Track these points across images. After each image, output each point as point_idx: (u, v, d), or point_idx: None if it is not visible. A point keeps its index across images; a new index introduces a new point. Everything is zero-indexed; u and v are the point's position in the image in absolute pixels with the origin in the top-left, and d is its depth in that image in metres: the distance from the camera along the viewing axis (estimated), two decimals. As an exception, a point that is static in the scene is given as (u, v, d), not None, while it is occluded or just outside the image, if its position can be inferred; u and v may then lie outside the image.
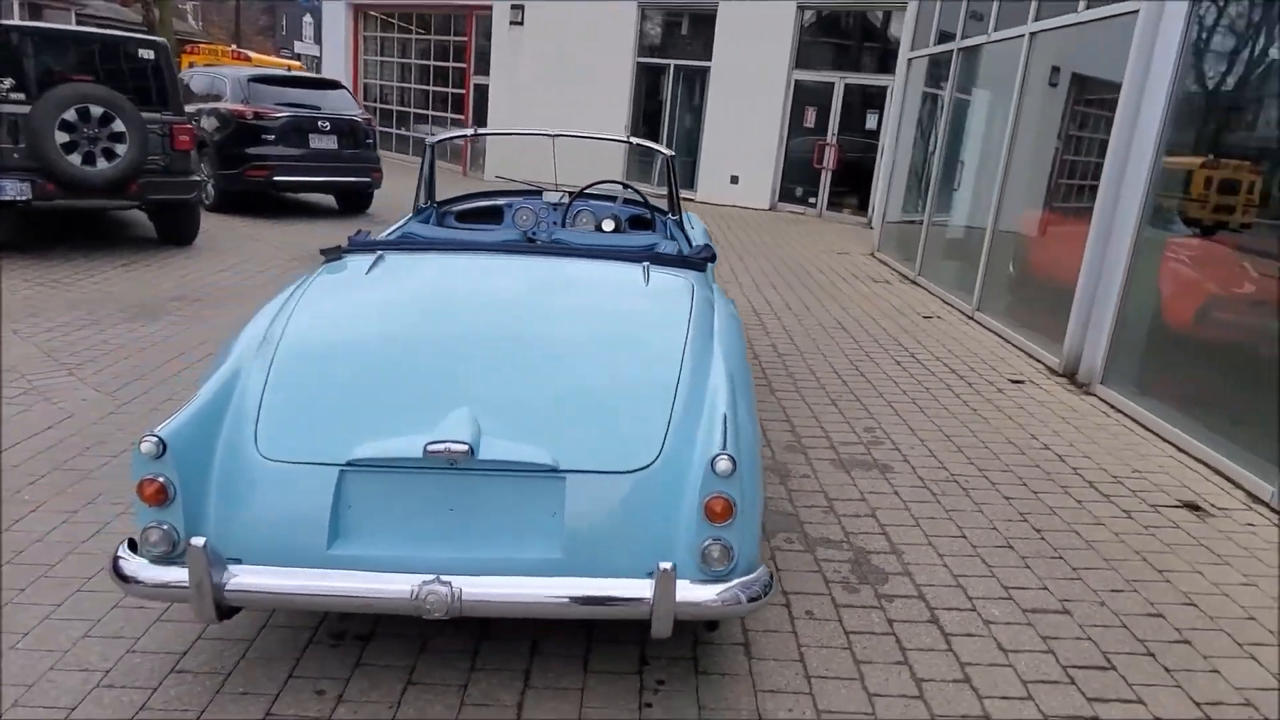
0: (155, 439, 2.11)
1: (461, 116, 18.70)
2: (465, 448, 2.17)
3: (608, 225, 4.43)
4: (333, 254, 3.21)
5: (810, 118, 13.83)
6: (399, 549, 2.19)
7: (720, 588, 2.17)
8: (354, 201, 11.14)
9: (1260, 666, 2.73)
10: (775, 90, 13.86)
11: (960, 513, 3.65)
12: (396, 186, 13.42)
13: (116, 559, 2.19)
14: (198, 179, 7.87)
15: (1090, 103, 6.58)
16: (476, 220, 4.66)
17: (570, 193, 4.61)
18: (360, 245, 3.27)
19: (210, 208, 9.92)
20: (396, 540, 2.20)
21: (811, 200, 13.98)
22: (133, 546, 2.22)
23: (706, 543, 2.17)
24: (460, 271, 3.08)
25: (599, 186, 4.59)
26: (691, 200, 14.88)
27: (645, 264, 3.20)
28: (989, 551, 3.34)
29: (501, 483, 2.24)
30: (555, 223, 4.47)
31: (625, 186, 4.64)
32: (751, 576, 2.21)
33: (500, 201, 4.68)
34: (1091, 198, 6.06)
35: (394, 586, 2.10)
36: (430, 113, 19.63)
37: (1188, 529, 3.64)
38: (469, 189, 5.18)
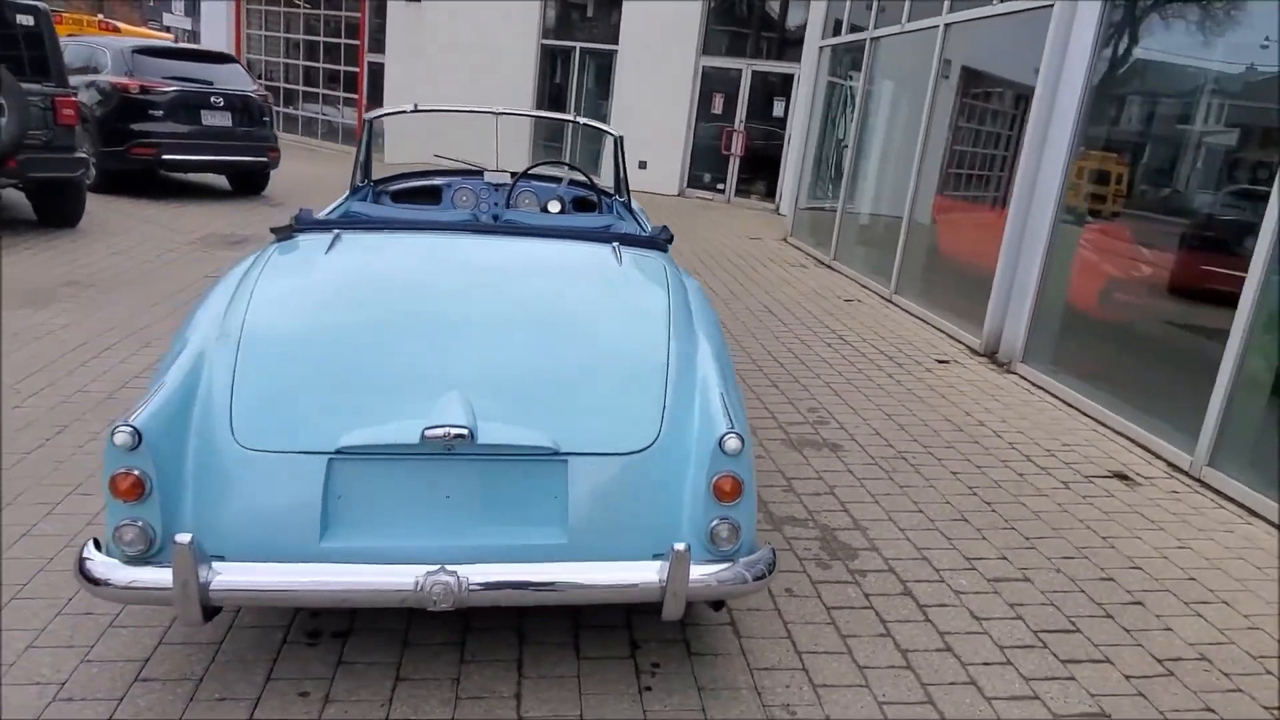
0: (130, 429, 1.96)
1: (355, 95, 18.07)
2: (465, 431, 2.10)
3: (553, 207, 4.36)
4: (284, 233, 3.04)
5: (718, 104, 13.97)
6: (395, 540, 2.10)
7: (728, 567, 2.17)
8: (249, 183, 10.62)
9: (1207, 623, 2.92)
10: (683, 76, 13.93)
11: (913, 488, 3.77)
12: (293, 168, 12.88)
13: (83, 560, 2.03)
14: (83, 156, 7.34)
15: (987, 96, 6.88)
16: (414, 200, 4.50)
17: (512, 173, 4.52)
18: (312, 224, 3.12)
19: (91, 188, 9.27)
20: (392, 530, 2.11)
21: (720, 186, 14.14)
22: (98, 546, 2.06)
23: (714, 522, 2.16)
24: (426, 251, 2.97)
25: (542, 168, 4.52)
26: (599, 185, 14.83)
27: (615, 244, 3.16)
28: (946, 525, 3.46)
29: (499, 467, 2.17)
30: (498, 203, 4.37)
31: (570, 168, 4.57)
32: (755, 555, 2.22)
33: (439, 181, 4.54)
34: (998, 187, 6.35)
35: (397, 579, 2.02)
36: (321, 90, 18.88)
37: (1120, 497, 3.86)
38: (403, 168, 5.01)
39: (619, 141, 4.46)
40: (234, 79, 10.10)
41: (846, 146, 9.18)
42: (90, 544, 2.06)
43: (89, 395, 3.97)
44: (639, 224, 4.24)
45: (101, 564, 2.01)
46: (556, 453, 2.19)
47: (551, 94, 15.70)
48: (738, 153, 13.76)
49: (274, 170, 10.52)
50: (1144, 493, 3.93)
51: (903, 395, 5.03)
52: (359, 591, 2.02)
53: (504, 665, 2.41)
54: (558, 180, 4.62)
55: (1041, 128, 5.67)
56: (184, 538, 1.92)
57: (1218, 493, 3.97)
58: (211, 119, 9.70)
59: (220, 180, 11.04)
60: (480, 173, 4.54)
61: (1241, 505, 3.85)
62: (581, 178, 4.64)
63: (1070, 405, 5.08)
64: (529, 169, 4.43)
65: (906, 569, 3.09)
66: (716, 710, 2.29)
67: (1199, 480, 4.09)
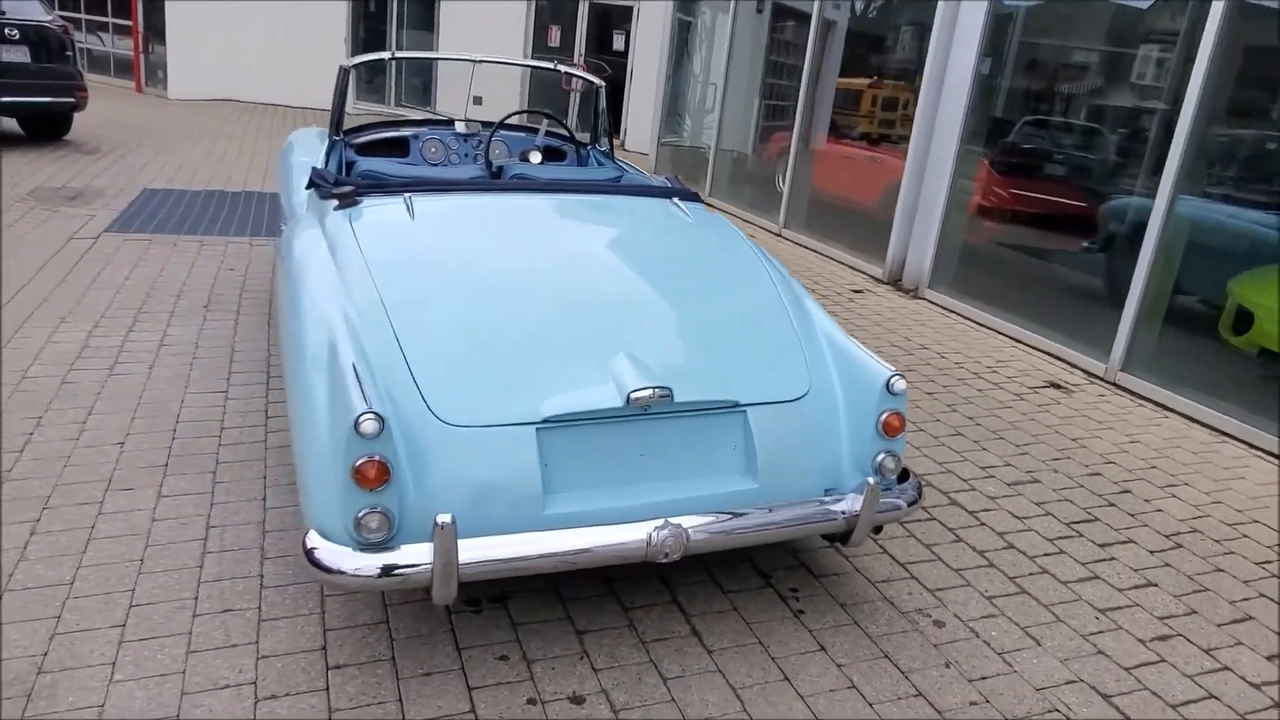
0: (375, 415, 1.92)
1: (129, 23, 16.21)
2: (667, 392, 2.22)
3: (535, 158, 4.35)
4: (348, 199, 2.92)
5: (554, 37, 13.81)
6: (609, 500, 2.20)
7: (895, 494, 2.44)
8: (48, 127, 9.45)
9: (1182, 502, 3.55)
10: (516, 7, 13.62)
11: (904, 410, 4.20)
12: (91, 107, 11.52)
13: (312, 551, 1.98)
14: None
15: (873, 39, 7.39)
16: (380, 153, 4.34)
17: (484, 123, 4.45)
18: (373, 187, 3.02)
19: None
20: (603, 492, 2.21)
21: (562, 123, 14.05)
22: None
23: (881, 456, 2.42)
24: (506, 212, 2.97)
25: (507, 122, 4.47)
26: (431, 122, 14.35)
27: (673, 199, 3.28)
28: (949, 440, 3.92)
29: (687, 423, 2.31)
30: (506, 155, 4.33)
31: (548, 117, 4.54)
32: (909, 482, 2.51)
33: (406, 132, 4.38)
34: (878, 125, 6.89)
35: (631, 536, 2.13)
36: (82, 16, 16.77)
37: (1065, 404, 4.50)
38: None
39: (600, 91, 4.48)
40: (25, 9, 8.88)
41: (714, 84, 9.47)
42: (311, 534, 2.01)
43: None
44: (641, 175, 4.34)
45: (335, 553, 1.98)
46: (737, 404, 2.36)
47: (370, 30, 14.87)
48: (579, 89, 13.72)
49: (80, 112, 9.43)
50: (1080, 398, 4.60)
51: (842, 322, 5.47)
52: (597, 553, 2.12)
53: (665, 607, 2.58)
54: (532, 130, 4.59)
55: (940, 63, 6.20)
56: (445, 517, 1.94)
57: (1134, 394, 4.71)
58: (7, 54, 8.52)
59: (10, 124, 9.74)
60: (450, 122, 4.43)
61: (1157, 403, 4.60)
62: (560, 129, 4.63)
63: (984, 325, 5.73)
64: (504, 119, 4.38)
65: (939, 481, 3.51)
66: (867, 623, 2.59)
67: (1115, 385, 4.82)
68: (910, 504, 2.48)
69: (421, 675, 2.24)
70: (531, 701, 2.18)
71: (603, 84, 4.40)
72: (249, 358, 4.12)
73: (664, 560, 2.16)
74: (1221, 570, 3.06)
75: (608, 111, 4.56)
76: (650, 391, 2.20)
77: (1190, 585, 2.94)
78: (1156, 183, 4.67)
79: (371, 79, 14.99)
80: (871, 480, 2.32)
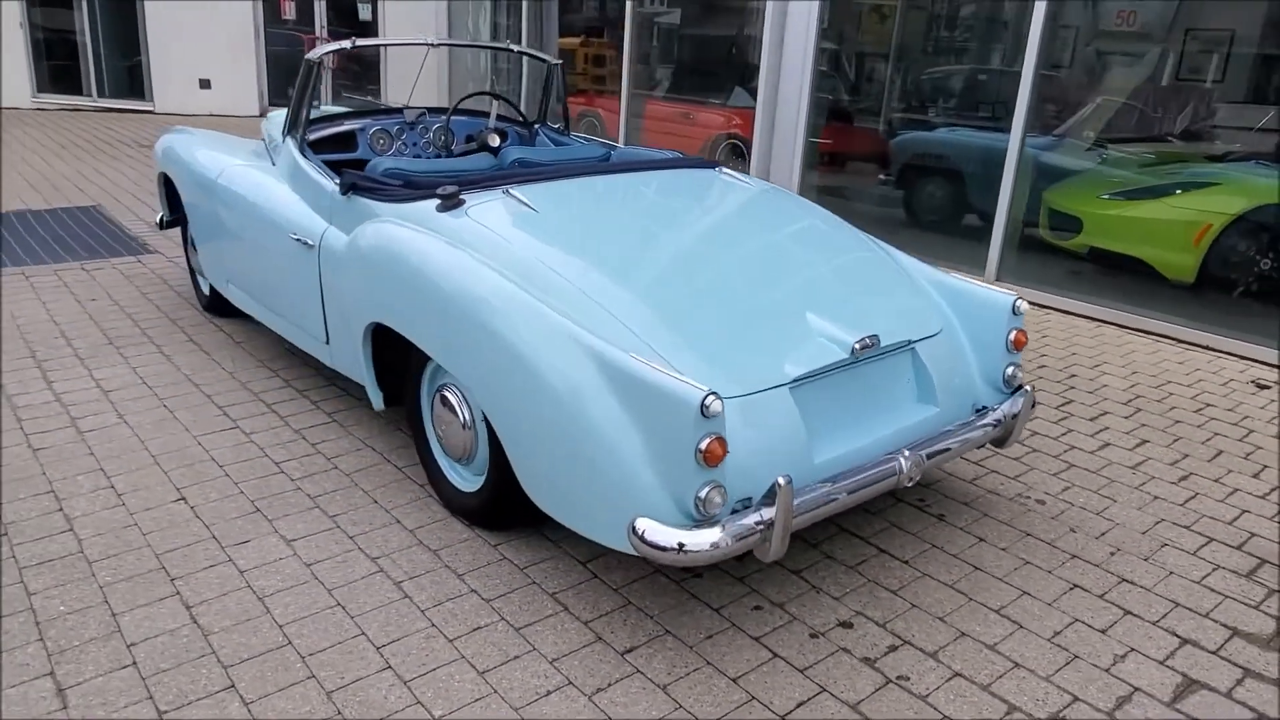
0: (716, 395, 2.04)
1: None
2: (876, 338, 2.52)
3: (494, 140, 4.30)
4: (452, 200, 2.85)
5: (288, 9, 12.90)
6: (853, 442, 2.47)
7: (1022, 398, 2.91)
8: None
9: (1122, 380, 4.40)
10: (238, -23, 12.54)
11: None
12: None
13: (641, 534, 2.07)
14: None
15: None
16: (326, 149, 4.11)
17: (428, 109, 4.32)
18: (476, 185, 2.97)
19: None
20: (846, 435, 2.47)
21: (315, 101, 13.20)
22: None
23: (1010, 369, 2.88)
24: (610, 195, 3.05)
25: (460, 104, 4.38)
26: (151, 113, 12.92)
27: (718, 168, 3.50)
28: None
29: (876, 365, 2.63)
30: (511, 140, 4.24)
31: (496, 99, 4.45)
32: (1027, 387, 2.99)
33: (352, 125, 4.16)
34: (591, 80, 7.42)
35: (886, 469, 2.42)
36: None
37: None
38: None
39: (559, 70, 4.49)
40: None
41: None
42: (638, 521, 2.10)
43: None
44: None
45: (667, 532, 2.08)
46: (909, 342, 2.70)
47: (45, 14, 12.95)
48: (329, 64, 12.94)
49: None
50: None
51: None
52: (867, 490, 2.38)
53: (859, 545, 2.90)
54: (482, 114, 4.52)
55: (779, 28, 6.77)
56: (784, 479, 2.12)
57: (1011, 297, 5.63)
58: None
59: None
60: (400, 110, 4.26)
61: (1039, 304, 5.53)
62: (511, 111, 4.58)
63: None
64: (457, 104, 4.28)
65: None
66: (1023, 550, 3.08)
67: (993, 292, 5.72)
68: (1032, 405, 2.96)
69: (705, 639, 2.40)
70: (814, 635, 2.43)
71: (559, 62, 4.43)
72: (222, 388, 3.81)
73: (907, 485, 2.48)
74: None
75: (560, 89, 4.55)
76: (864, 340, 2.49)
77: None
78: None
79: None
80: (1029, 388, 2.77)
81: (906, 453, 2.46)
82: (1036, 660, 2.36)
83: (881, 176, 7.41)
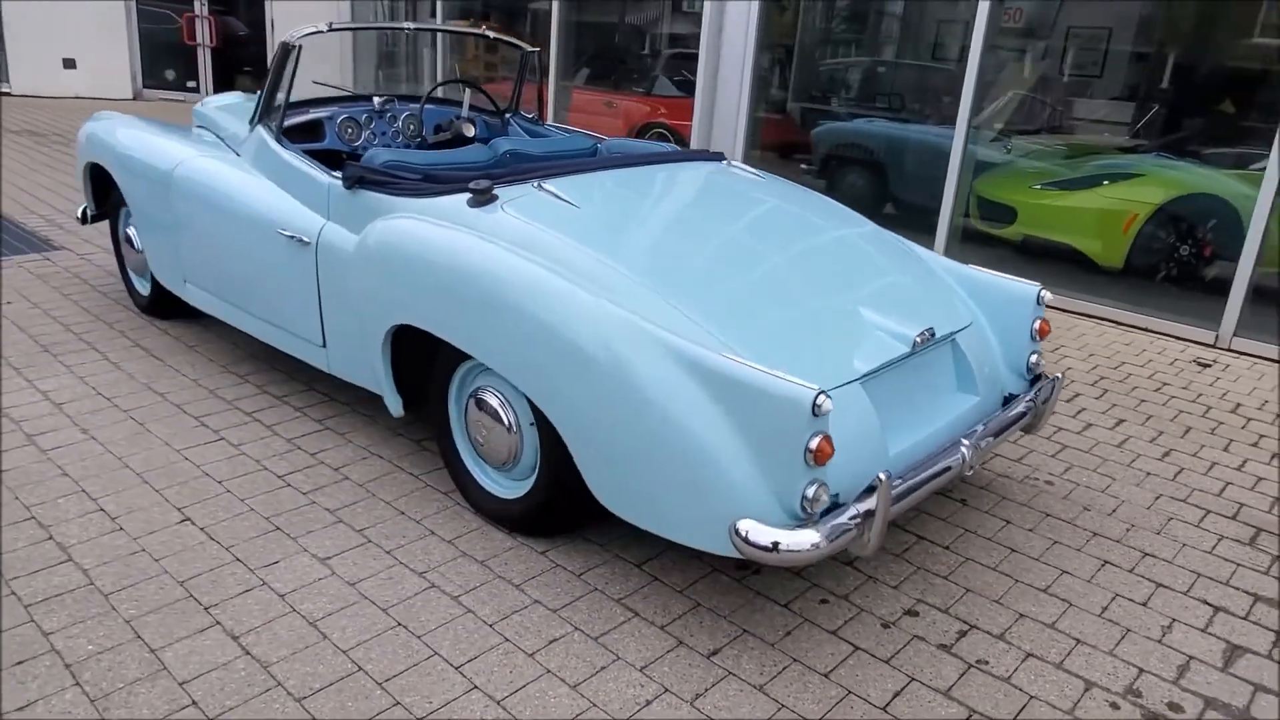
0: (825, 393, 2.03)
1: None
2: (932, 330, 2.58)
3: (468, 130, 4.15)
4: (485, 196, 2.73)
5: (160, -14, 12.08)
6: (917, 433, 2.51)
7: (1050, 385, 3.01)
8: None
9: (1070, 359, 4.64)
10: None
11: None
12: None
13: (746, 535, 2.05)
14: None
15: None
16: (292, 139, 3.87)
17: (398, 97, 4.13)
18: (501, 179, 2.85)
19: None
20: (910, 426, 2.52)
21: (192, 84, 12.45)
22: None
23: (1034, 357, 3.00)
24: (636, 189, 2.99)
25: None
26: (8, 94, 11.89)
27: (725, 161, 3.48)
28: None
29: (926, 356, 2.69)
30: (495, 132, 4.07)
31: (466, 86, 4.26)
32: (1057, 374, 3.09)
33: (319, 113, 3.92)
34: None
35: (953, 458, 2.47)
36: None
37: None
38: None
39: (536, 57, 4.34)
40: None
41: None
42: (741, 523, 2.07)
43: None
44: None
45: (771, 533, 2.06)
46: (951, 334, 2.77)
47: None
48: (209, 43, 12.22)
49: None
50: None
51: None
52: (939, 478, 2.43)
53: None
54: (451, 103, 4.34)
55: (716, 23, 6.80)
56: (884, 474, 2.13)
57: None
58: None
59: None
60: (369, 98, 4.05)
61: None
62: (484, 100, 4.42)
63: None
64: (430, 92, 4.11)
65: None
66: (1048, 530, 3.20)
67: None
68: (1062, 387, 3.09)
69: (784, 635, 2.41)
70: (885, 626, 2.47)
71: (537, 49, 4.30)
72: (190, 397, 3.56)
73: (969, 473, 2.55)
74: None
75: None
76: (924, 333, 2.54)
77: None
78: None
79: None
80: (1060, 375, 2.89)
81: (965, 442, 2.53)
82: (1095, 636, 2.47)
83: (804, 167, 7.59)
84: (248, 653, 2.21)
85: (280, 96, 3.47)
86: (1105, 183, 5.75)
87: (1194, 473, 3.45)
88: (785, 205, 3.14)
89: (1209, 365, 4.64)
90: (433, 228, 2.69)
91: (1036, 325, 2.96)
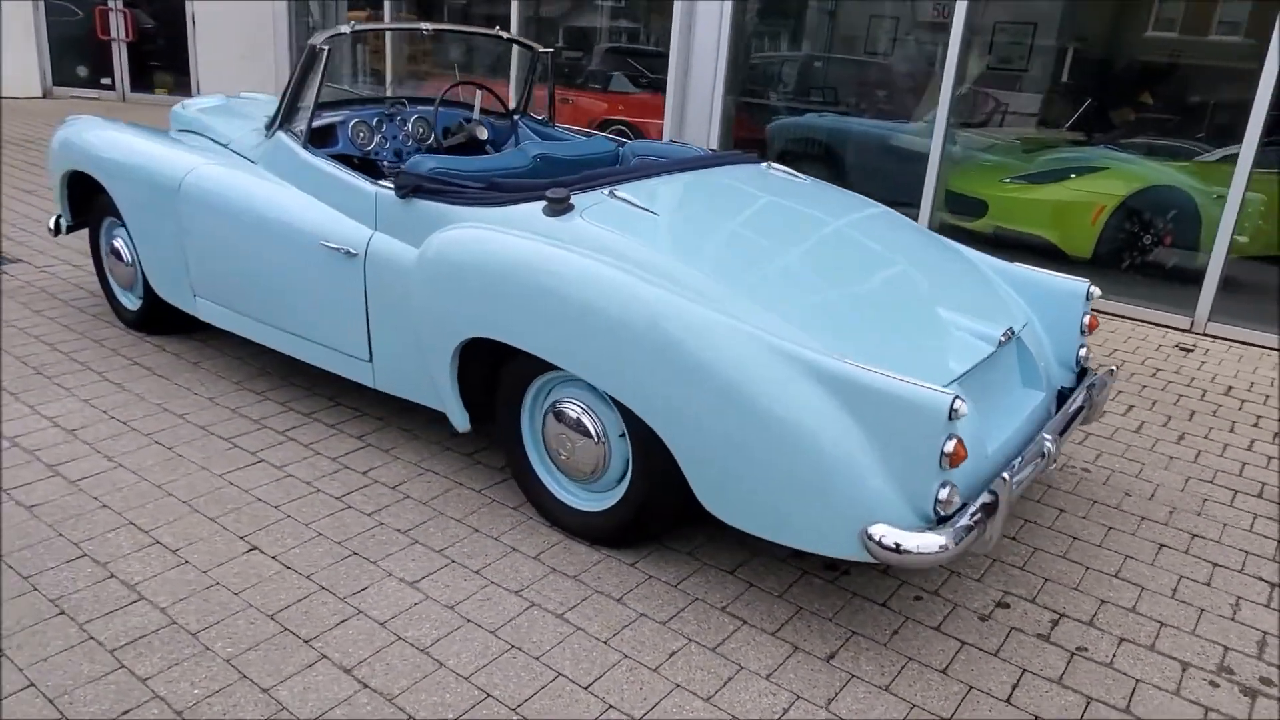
0: (960, 397, 2.07)
1: None
2: (1012, 329, 2.66)
3: (482, 133, 4.05)
4: (562, 205, 2.68)
5: (67, -23, 11.43)
6: (1005, 427, 2.58)
7: (1105, 377, 3.12)
8: None
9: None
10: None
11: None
12: None
13: (880, 540, 2.08)
14: None
15: None
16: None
17: (408, 99, 4.02)
18: (582, 186, 2.80)
19: None
20: (999, 424, 2.58)
21: (106, 81, 11.81)
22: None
23: (1082, 350, 3.11)
24: (710, 197, 2.98)
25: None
26: (-101, 94, 11.11)
27: (765, 164, 3.50)
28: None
29: (1000, 354, 2.76)
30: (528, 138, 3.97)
31: (479, 88, 4.14)
32: (1112, 366, 3.20)
33: (332, 117, 3.78)
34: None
35: (1042, 453, 2.55)
36: None
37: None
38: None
39: (548, 59, 4.26)
40: None
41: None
42: (873, 528, 2.10)
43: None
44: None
45: (904, 536, 2.10)
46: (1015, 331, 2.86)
47: None
48: (124, 37, 11.62)
49: None
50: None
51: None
52: (1031, 476, 2.50)
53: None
54: (460, 105, 4.23)
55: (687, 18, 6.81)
56: (1007, 475, 2.19)
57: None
58: None
59: None
60: (382, 100, 3.93)
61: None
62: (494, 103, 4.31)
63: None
64: (443, 94, 4.00)
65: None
66: (1100, 517, 3.32)
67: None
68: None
69: (893, 634, 2.45)
70: (983, 619, 2.54)
71: (550, 50, 4.22)
72: (213, 417, 3.41)
73: (1054, 467, 2.64)
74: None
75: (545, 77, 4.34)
76: (1008, 331, 2.62)
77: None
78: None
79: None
80: (1114, 367, 3.01)
81: (1049, 437, 2.61)
82: (1174, 617, 2.59)
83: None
84: (366, 685, 2.14)
85: (305, 102, 3.34)
86: (1072, 176, 5.99)
87: (1211, 454, 3.64)
88: (840, 208, 3.18)
89: (1190, 350, 4.89)
90: (513, 238, 2.64)
91: (1086, 320, 3.08)
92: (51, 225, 4.35)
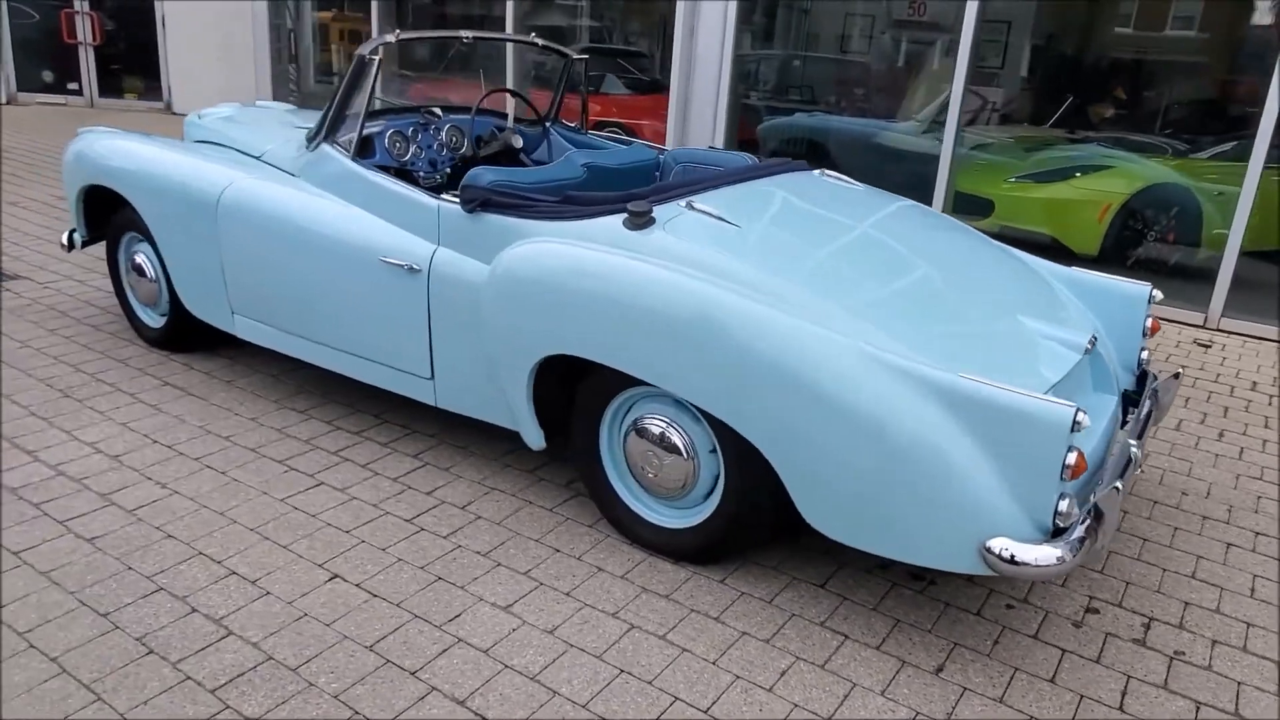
0: (1082, 409, 2.07)
1: None
2: (1096, 336, 2.68)
3: (517, 142, 3.99)
4: (644, 219, 2.64)
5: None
6: (1094, 433, 2.60)
7: (1171, 380, 3.15)
8: None
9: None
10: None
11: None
12: None
13: (999, 553, 2.09)
14: None
15: None
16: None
17: (443, 108, 3.95)
18: (657, 199, 2.76)
19: None
20: (1087, 430, 2.60)
21: (73, 86, 11.48)
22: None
23: (1145, 353, 3.14)
24: (784, 207, 2.96)
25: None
26: None
27: (819, 171, 3.49)
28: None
29: (1086, 359, 2.77)
30: (531, 147, 3.89)
31: (512, 94, 4.07)
32: (1179, 368, 3.25)
33: (371, 128, 3.69)
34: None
35: (1129, 458, 2.58)
36: None
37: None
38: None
39: (584, 66, 4.19)
40: None
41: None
42: (992, 541, 2.10)
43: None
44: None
45: (1022, 549, 2.10)
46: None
47: None
48: (91, 41, 11.30)
49: None
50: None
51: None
52: (1130, 482, 2.52)
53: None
54: (503, 115, 4.17)
55: (689, 21, 6.79)
56: (1119, 484, 2.20)
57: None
58: None
59: None
60: (417, 109, 3.85)
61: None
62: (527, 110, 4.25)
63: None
64: (479, 102, 3.93)
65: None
66: (1162, 517, 3.35)
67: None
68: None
69: (993, 644, 2.46)
70: (1076, 625, 2.56)
71: (583, 57, 4.17)
72: (262, 439, 3.33)
73: (1140, 471, 2.66)
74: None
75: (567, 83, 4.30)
76: (1091, 338, 2.64)
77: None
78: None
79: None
80: (1179, 371, 3.04)
81: (1134, 441, 2.63)
82: (1259, 617, 2.63)
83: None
84: (483, 717, 2.09)
85: (352, 113, 3.26)
86: (1078, 174, 6.08)
87: (1253, 451, 3.71)
88: (906, 216, 3.18)
89: (1209, 346, 4.99)
90: (596, 252, 2.60)
91: (1149, 323, 3.11)
92: (65, 240, 4.21)
